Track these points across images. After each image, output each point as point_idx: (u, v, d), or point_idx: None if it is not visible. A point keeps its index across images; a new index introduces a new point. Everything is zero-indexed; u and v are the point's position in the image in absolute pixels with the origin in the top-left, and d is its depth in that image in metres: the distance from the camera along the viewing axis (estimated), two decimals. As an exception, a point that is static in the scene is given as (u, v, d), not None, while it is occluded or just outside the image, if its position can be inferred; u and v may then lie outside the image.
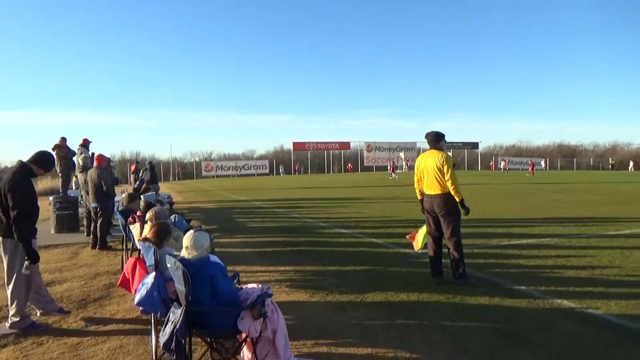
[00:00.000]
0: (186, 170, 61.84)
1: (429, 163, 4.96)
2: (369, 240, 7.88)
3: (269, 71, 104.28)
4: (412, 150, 58.61)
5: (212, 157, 73.44)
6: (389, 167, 39.45)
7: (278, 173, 56.39)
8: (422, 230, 5.28)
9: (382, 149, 61.10)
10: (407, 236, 5.63)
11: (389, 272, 5.66)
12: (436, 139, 5.03)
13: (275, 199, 17.45)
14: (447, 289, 4.90)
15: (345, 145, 61.47)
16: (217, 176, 54.30)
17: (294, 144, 59.00)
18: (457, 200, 4.84)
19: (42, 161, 4.14)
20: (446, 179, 4.81)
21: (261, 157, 69.78)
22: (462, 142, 64.19)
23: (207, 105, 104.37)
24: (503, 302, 4.45)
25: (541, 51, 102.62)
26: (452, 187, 4.80)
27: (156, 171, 16.66)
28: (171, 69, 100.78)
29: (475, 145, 64.49)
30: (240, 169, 57.06)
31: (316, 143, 59.46)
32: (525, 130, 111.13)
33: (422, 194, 5.12)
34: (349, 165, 55.78)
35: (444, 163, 4.85)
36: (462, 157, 63.84)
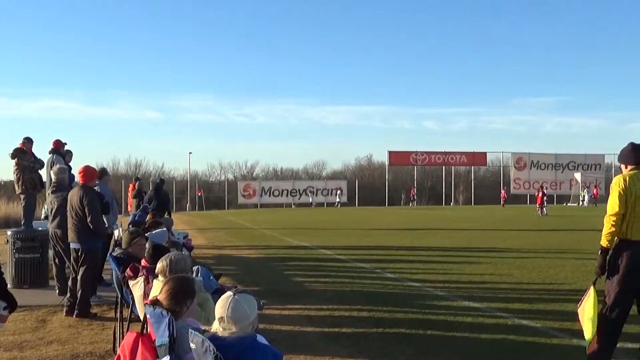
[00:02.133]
0: (212, 194, 64.40)
1: None
2: (517, 322, 7.67)
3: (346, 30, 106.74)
4: (598, 168, 55.94)
5: (254, 174, 76.08)
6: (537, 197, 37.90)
7: (346, 202, 56.58)
8: (591, 302, 5.38)
9: (542, 166, 59.04)
10: (578, 309, 5.65)
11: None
12: None
13: (358, 246, 17.50)
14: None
15: (479, 157, 60.36)
16: (263, 205, 55.86)
17: (391, 154, 59.17)
18: None
19: None
20: None
21: (335, 176, 70.64)
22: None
23: (242, 88, 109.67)
24: None
25: None
26: None
27: (166, 193, 17.43)
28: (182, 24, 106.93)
29: None
30: (301, 195, 58.25)
31: (429, 154, 59.13)
32: None
33: (625, 240, 5.32)
34: (503, 193, 53.75)
35: None
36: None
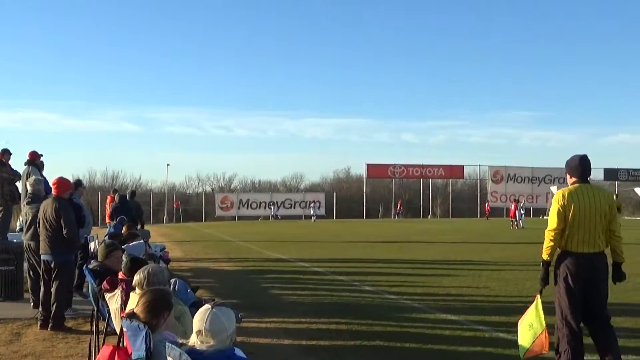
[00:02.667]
0: (190, 207, 64.04)
1: (597, 204, 5.57)
2: (495, 335, 7.71)
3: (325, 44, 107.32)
4: (574, 181, 56.63)
5: (232, 187, 75.83)
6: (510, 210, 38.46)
7: (324, 215, 56.42)
8: (532, 310, 5.69)
9: (519, 179, 59.66)
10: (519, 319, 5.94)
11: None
12: (590, 169, 5.84)
13: (336, 258, 17.50)
14: None
15: (456, 170, 60.88)
16: (241, 217, 55.66)
17: (369, 167, 59.31)
18: (620, 260, 5.76)
19: None
20: (615, 228, 5.68)
21: (313, 188, 70.73)
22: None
23: (222, 100, 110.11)
24: None
25: None
26: (621, 240, 5.71)
27: (136, 205, 17.36)
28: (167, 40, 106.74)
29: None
30: (279, 207, 58.14)
31: (407, 167, 59.46)
32: None
33: (566, 251, 5.69)
34: (487, 206, 54.31)
35: (614, 205, 5.69)
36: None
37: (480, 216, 56.53)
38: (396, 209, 59.13)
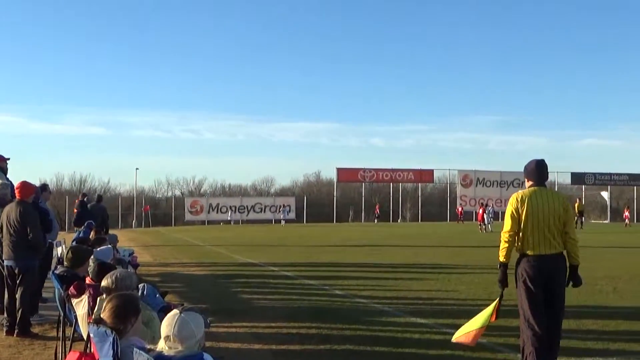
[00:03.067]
0: (159, 211, 63.59)
1: (551, 207, 5.75)
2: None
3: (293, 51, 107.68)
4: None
5: (202, 191, 75.41)
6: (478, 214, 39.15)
7: (294, 219, 56.23)
8: (481, 313, 6.06)
9: (488, 183, 60.39)
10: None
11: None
12: (547, 173, 6.04)
13: (306, 263, 17.51)
14: None
15: (426, 175, 61.34)
16: (211, 222, 55.31)
17: (339, 171, 59.40)
18: (576, 263, 5.87)
19: None
20: (569, 230, 5.86)
21: (284, 192, 70.66)
22: (628, 175, 62.48)
23: (194, 104, 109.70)
24: None
25: None
26: (576, 242, 5.87)
27: (103, 208, 17.25)
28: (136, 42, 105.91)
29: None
30: (249, 211, 57.92)
31: (376, 171, 59.72)
32: None
33: (523, 254, 5.86)
34: (459, 209, 54.77)
35: (568, 208, 5.88)
36: (628, 200, 61.91)
37: (450, 220, 57.01)
38: (374, 213, 59.06)
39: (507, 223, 5.84)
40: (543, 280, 5.72)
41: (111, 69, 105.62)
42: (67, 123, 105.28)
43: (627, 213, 48.87)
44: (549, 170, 6.11)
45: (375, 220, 56.78)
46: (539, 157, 5.94)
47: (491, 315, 5.87)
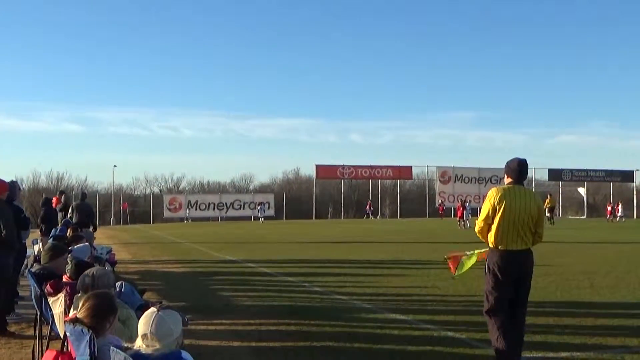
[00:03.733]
0: (138, 208, 63.30)
1: (527, 205, 5.99)
2: (443, 334, 7.85)
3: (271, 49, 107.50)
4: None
5: (180, 188, 75.15)
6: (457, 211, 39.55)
7: (273, 215, 56.02)
8: (471, 261, 7.11)
9: (466, 180, 60.88)
10: (446, 257, 7.74)
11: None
12: (527, 172, 6.22)
13: (285, 259, 17.51)
14: None
15: (405, 171, 61.66)
16: (190, 219, 55.07)
17: (318, 168, 59.45)
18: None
19: None
20: (539, 230, 6.15)
21: (263, 189, 70.64)
22: (604, 171, 63.34)
23: (171, 100, 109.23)
24: None
25: None
26: (541, 239, 6.20)
27: (90, 206, 17.06)
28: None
29: (628, 175, 63.39)
30: (228, 208, 57.82)
31: (355, 167, 59.87)
32: None
33: (495, 249, 6.11)
34: (439, 205, 55.03)
35: (542, 208, 6.26)
36: (604, 195, 62.83)
37: (429, 216, 57.38)
38: (365, 209, 58.90)
39: (484, 213, 6.10)
40: (514, 274, 5.98)
41: (86, 66, 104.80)
42: (42, 120, 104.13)
43: (609, 208, 49.18)
44: (532, 167, 6.27)
45: (370, 217, 56.45)
46: (520, 156, 6.13)
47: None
